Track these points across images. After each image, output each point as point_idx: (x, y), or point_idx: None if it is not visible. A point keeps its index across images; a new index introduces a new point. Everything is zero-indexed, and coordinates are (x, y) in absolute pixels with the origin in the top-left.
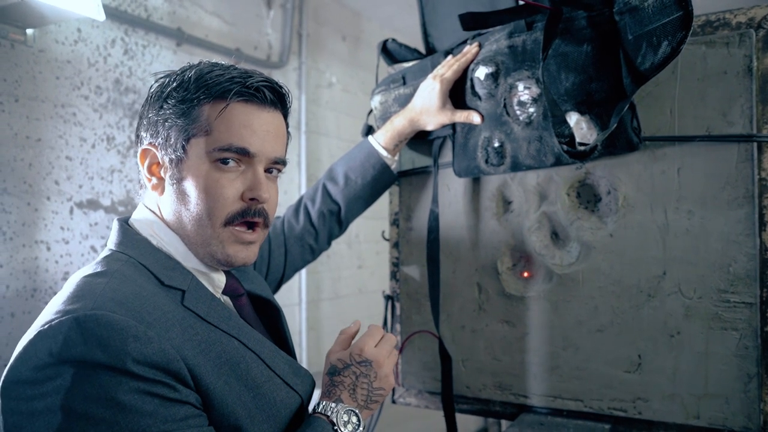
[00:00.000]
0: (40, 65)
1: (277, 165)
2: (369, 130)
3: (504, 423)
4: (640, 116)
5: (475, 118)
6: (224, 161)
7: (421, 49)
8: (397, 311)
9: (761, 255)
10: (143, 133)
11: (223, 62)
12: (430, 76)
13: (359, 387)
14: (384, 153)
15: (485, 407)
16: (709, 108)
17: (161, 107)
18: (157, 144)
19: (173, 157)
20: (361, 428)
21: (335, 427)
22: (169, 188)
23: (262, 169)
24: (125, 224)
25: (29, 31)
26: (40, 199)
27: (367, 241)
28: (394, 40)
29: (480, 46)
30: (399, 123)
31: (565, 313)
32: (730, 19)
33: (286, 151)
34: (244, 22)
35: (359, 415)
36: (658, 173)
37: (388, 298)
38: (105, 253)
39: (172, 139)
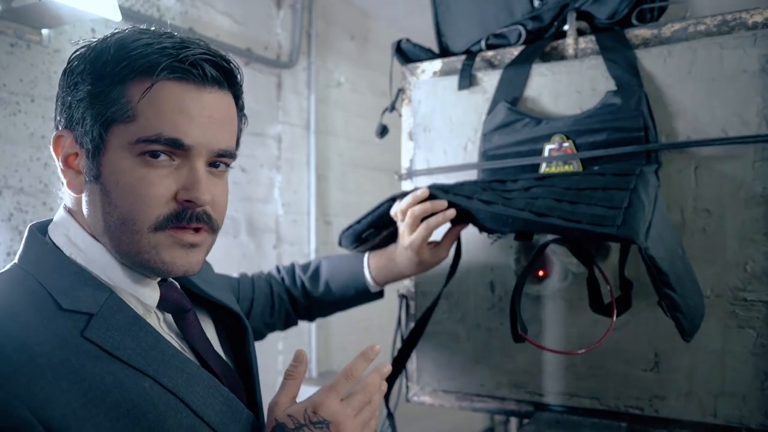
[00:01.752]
0: (55, 65)
1: (223, 158)
2: (383, 130)
3: (514, 421)
4: (655, 117)
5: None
6: (153, 154)
7: (435, 49)
8: (412, 310)
9: None
10: (58, 117)
11: (152, 29)
12: (402, 246)
13: None
14: (371, 282)
15: (500, 405)
16: (724, 108)
17: (76, 85)
18: (72, 130)
19: (90, 147)
20: None
21: None
22: (87, 185)
23: (203, 163)
24: (36, 231)
25: (44, 31)
26: (55, 198)
27: None
28: (408, 40)
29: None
30: (395, 266)
31: (581, 312)
32: (746, 19)
33: (237, 140)
34: (255, 22)
35: None
36: (675, 173)
37: (402, 297)
38: (7, 266)
39: (88, 126)
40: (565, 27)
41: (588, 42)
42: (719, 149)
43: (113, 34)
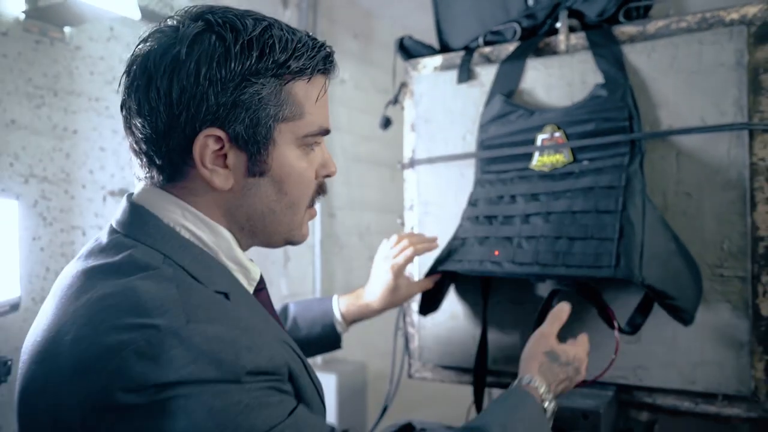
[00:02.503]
0: (76, 61)
1: None
2: (387, 122)
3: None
4: (640, 107)
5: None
6: (313, 145)
7: (436, 45)
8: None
9: (752, 233)
10: (200, 116)
11: (273, 21)
12: (382, 257)
13: (561, 386)
14: (339, 319)
15: (496, 379)
16: (703, 99)
17: (238, 86)
18: (225, 130)
19: (256, 145)
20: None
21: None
22: (246, 180)
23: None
24: (144, 210)
25: (67, 29)
26: (77, 187)
27: (378, 232)
28: (410, 37)
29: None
30: (364, 301)
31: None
32: (723, 17)
33: None
34: None
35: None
36: (658, 159)
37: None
38: (125, 242)
39: (254, 125)
40: (558, 24)
41: (578, 38)
42: (698, 137)
43: (255, 26)
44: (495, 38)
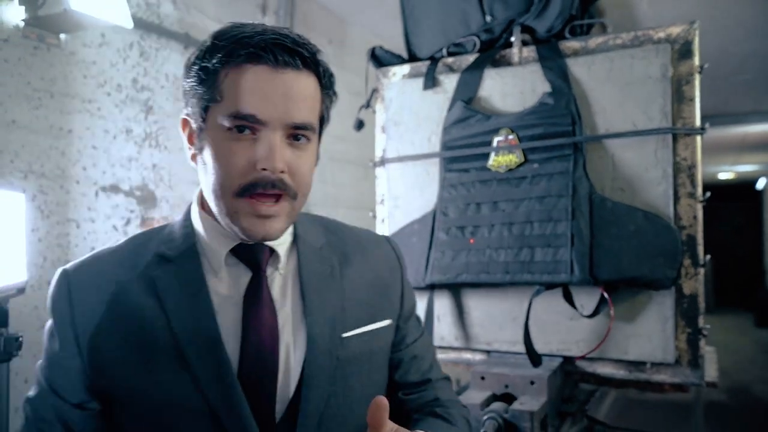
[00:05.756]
0: (70, 65)
1: (301, 131)
2: (360, 123)
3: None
4: (581, 114)
5: None
6: (239, 129)
7: (404, 55)
8: None
9: (676, 222)
10: (183, 103)
11: (246, 21)
12: None
13: None
14: None
15: (458, 355)
16: (634, 107)
17: (188, 75)
18: (188, 113)
19: (196, 126)
20: None
21: None
22: (198, 158)
23: (278, 136)
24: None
25: (62, 36)
26: (71, 182)
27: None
28: (381, 47)
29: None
30: None
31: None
32: (652, 35)
33: (317, 114)
34: None
35: None
36: (597, 159)
37: None
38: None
39: (195, 108)
40: (512, 39)
41: (530, 51)
42: (630, 140)
43: (217, 30)
44: (457, 50)
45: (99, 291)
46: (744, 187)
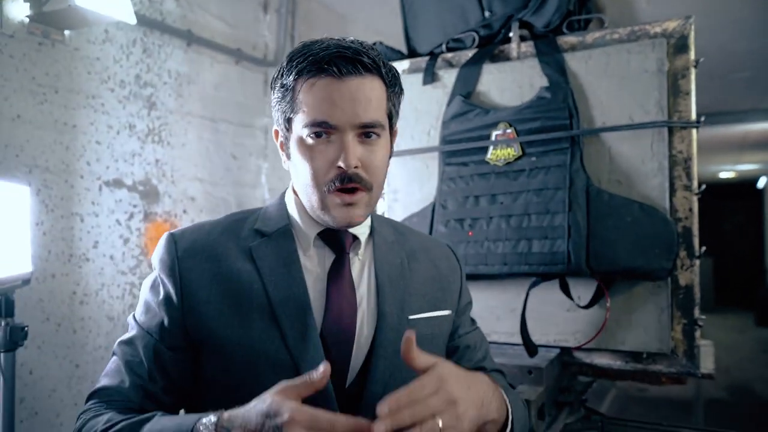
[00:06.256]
0: (75, 61)
1: (370, 129)
2: None
3: None
4: (579, 108)
5: None
6: (317, 134)
7: (404, 51)
8: None
9: (672, 215)
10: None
11: (320, 38)
12: None
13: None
14: None
15: None
16: (631, 100)
17: (272, 93)
18: (277, 125)
19: (283, 136)
20: None
21: None
22: (288, 162)
23: (350, 137)
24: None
25: (67, 32)
26: (75, 177)
27: None
28: (381, 42)
29: None
30: None
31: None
32: (648, 30)
33: (385, 111)
34: (244, 25)
35: None
36: (594, 152)
37: None
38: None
39: (280, 120)
40: (510, 34)
41: (528, 47)
42: (627, 133)
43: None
44: (456, 45)
45: (203, 251)
46: (745, 186)
